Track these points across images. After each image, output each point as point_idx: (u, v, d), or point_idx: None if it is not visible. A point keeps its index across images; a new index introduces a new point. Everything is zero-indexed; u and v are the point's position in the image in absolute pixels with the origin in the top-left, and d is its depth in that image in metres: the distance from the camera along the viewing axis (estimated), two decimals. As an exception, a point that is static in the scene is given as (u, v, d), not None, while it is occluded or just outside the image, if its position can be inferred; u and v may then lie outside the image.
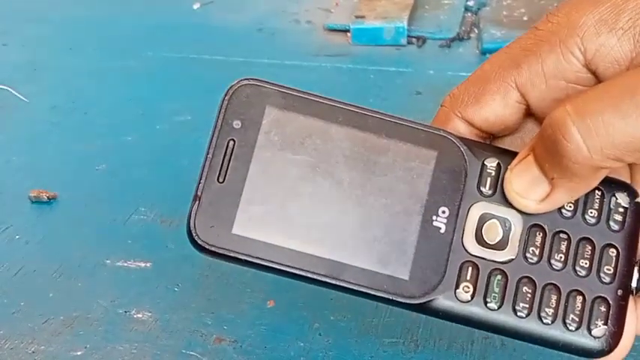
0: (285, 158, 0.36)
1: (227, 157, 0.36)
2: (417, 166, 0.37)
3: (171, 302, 0.57)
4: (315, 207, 0.36)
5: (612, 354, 0.37)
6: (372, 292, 0.36)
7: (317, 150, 0.36)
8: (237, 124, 0.36)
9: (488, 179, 0.37)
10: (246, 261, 0.36)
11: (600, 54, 0.35)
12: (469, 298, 0.36)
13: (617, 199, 0.37)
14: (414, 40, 0.92)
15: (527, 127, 0.39)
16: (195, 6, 1.01)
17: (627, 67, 0.35)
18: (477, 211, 0.37)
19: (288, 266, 0.36)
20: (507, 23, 0.92)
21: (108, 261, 0.61)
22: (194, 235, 0.36)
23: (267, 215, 0.36)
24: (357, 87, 0.85)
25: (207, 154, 0.36)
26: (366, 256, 0.36)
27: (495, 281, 0.36)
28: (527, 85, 0.36)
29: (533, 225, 0.37)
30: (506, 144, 0.39)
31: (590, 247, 0.37)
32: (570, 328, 0.36)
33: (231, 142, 0.36)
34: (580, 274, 0.37)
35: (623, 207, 0.37)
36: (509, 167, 0.37)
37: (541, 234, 0.37)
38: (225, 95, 0.36)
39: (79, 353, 0.54)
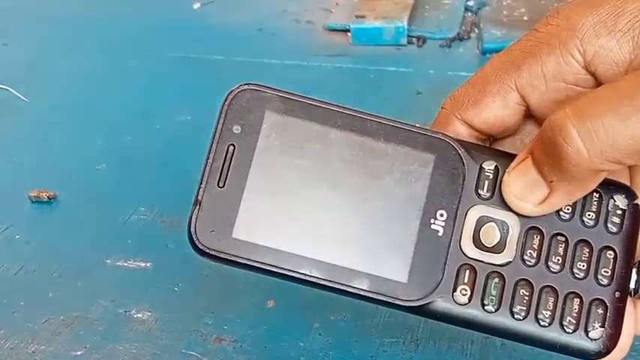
0: (284, 162, 0.36)
1: (227, 162, 0.36)
2: (416, 169, 0.37)
3: (171, 302, 0.57)
4: (314, 211, 0.36)
5: (610, 355, 0.37)
6: (371, 295, 0.36)
7: (316, 154, 0.36)
8: (237, 129, 0.36)
9: (486, 182, 0.37)
10: (246, 265, 0.36)
11: (599, 56, 0.35)
12: (467, 301, 0.36)
13: (615, 201, 0.37)
14: (414, 40, 0.92)
15: (527, 129, 0.39)
16: (196, 6, 1.01)
17: (626, 69, 0.35)
18: (474, 214, 0.37)
19: (288, 270, 0.36)
20: (507, 23, 0.92)
21: (108, 261, 0.61)
22: (195, 239, 0.36)
23: (266, 219, 0.36)
24: (357, 87, 0.85)
25: (208, 158, 0.36)
26: (365, 259, 0.36)
27: (493, 284, 0.36)
28: (527, 87, 0.37)
29: (531, 227, 0.37)
30: (506, 146, 0.39)
31: (587, 250, 0.37)
32: (567, 330, 0.36)
33: (231, 147, 0.36)
34: (578, 276, 0.37)
35: (621, 209, 0.37)
36: (507, 170, 0.37)
37: (539, 236, 0.37)
38: (225, 100, 0.37)
39: (79, 353, 0.54)
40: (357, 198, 0.36)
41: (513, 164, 0.37)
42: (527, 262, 0.37)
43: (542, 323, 0.36)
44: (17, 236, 0.64)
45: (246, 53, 0.89)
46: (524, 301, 0.36)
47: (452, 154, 0.37)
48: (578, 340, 0.36)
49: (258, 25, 0.96)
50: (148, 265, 0.61)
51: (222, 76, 0.85)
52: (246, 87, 0.37)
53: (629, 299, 0.37)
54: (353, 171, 0.37)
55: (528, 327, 0.36)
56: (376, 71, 0.87)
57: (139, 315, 0.56)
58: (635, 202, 0.37)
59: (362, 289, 0.36)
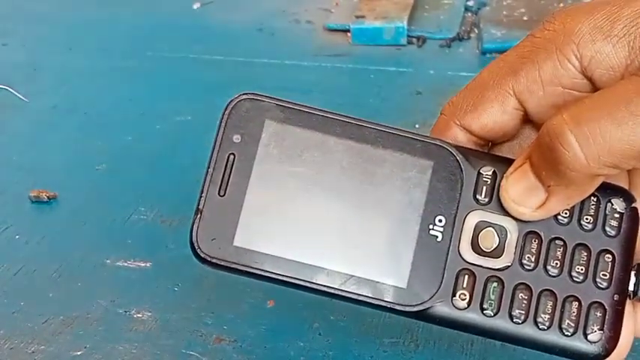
0: (284, 171, 0.37)
1: (227, 171, 0.37)
2: (414, 175, 0.37)
3: (171, 302, 0.58)
4: (314, 218, 0.37)
5: (610, 358, 0.37)
6: (371, 301, 0.36)
7: (315, 162, 0.37)
8: (237, 138, 0.37)
9: (484, 187, 0.37)
10: (248, 272, 0.37)
11: (596, 61, 0.35)
12: (466, 306, 0.37)
13: (612, 204, 0.37)
14: (414, 40, 0.92)
15: (525, 134, 0.39)
16: (195, 6, 1.01)
17: (622, 73, 0.35)
18: (473, 219, 0.37)
19: (289, 277, 0.36)
20: (507, 23, 0.92)
21: (108, 261, 0.61)
22: (196, 247, 0.36)
23: (267, 227, 0.37)
24: (357, 87, 0.85)
25: (208, 168, 0.37)
26: (364, 265, 0.37)
27: (492, 288, 0.37)
28: (524, 92, 0.37)
29: (529, 232, 0.37)
30: (504, 150, 0.39)
31: (586, 253, 0.37)
32: (566, 333, 0.36)
33: (232, 156, 0.37)
34: (576, 279, 0.37)
35: (619, 212, 0.37)
36: (505, 175, 0.37)
37: (537, 241, 0.37)
38: (225, 110, 0.37)
39: (79, 353, 0.54)
40: (356, 205, 0.37)
41: (511, 169, 0.37)
42: (526, 267, 0.37)
43: (541, 327, 0.36)
44: (17, 236, 0.65)
45: (246, 53, 0.90)
46: (523, 305, 0.37)
47: (450, 160, 0.37)
48: (577, 343, 0.36)
49: (258, 25, 0.96)
50: (148, 265, 0.61)
51: (222, 76, 0.85)
52: (245, 96, 0.37)
53: (628, 301, 0.37)
54: (352, 178, 0.37)
55: (527, 330, 0.36)
56: (376, 71, 0.87)
57: (139, 315, 0.57)
58: (633, 205, 0.37)
59: (362, 295, 0.36)
